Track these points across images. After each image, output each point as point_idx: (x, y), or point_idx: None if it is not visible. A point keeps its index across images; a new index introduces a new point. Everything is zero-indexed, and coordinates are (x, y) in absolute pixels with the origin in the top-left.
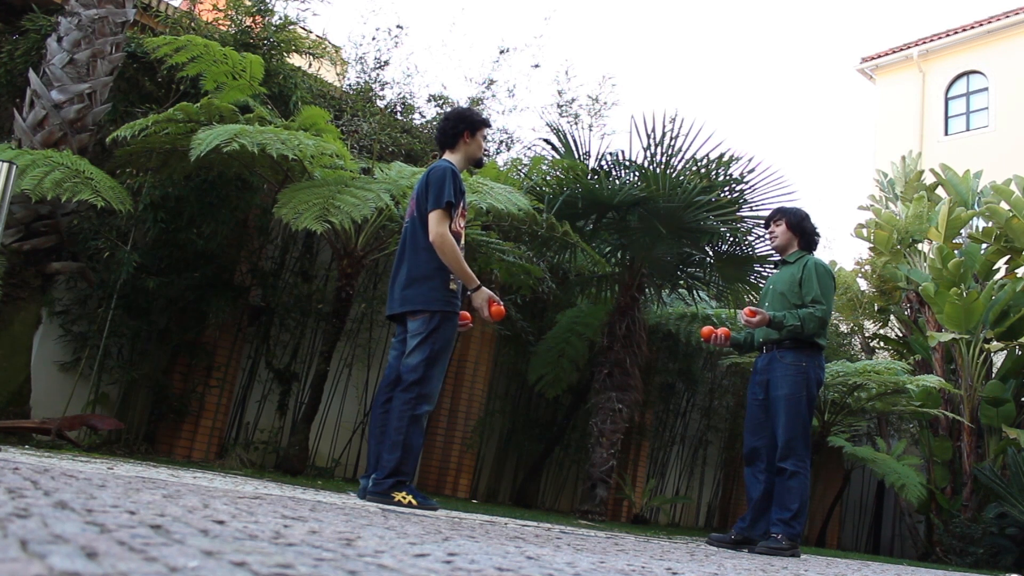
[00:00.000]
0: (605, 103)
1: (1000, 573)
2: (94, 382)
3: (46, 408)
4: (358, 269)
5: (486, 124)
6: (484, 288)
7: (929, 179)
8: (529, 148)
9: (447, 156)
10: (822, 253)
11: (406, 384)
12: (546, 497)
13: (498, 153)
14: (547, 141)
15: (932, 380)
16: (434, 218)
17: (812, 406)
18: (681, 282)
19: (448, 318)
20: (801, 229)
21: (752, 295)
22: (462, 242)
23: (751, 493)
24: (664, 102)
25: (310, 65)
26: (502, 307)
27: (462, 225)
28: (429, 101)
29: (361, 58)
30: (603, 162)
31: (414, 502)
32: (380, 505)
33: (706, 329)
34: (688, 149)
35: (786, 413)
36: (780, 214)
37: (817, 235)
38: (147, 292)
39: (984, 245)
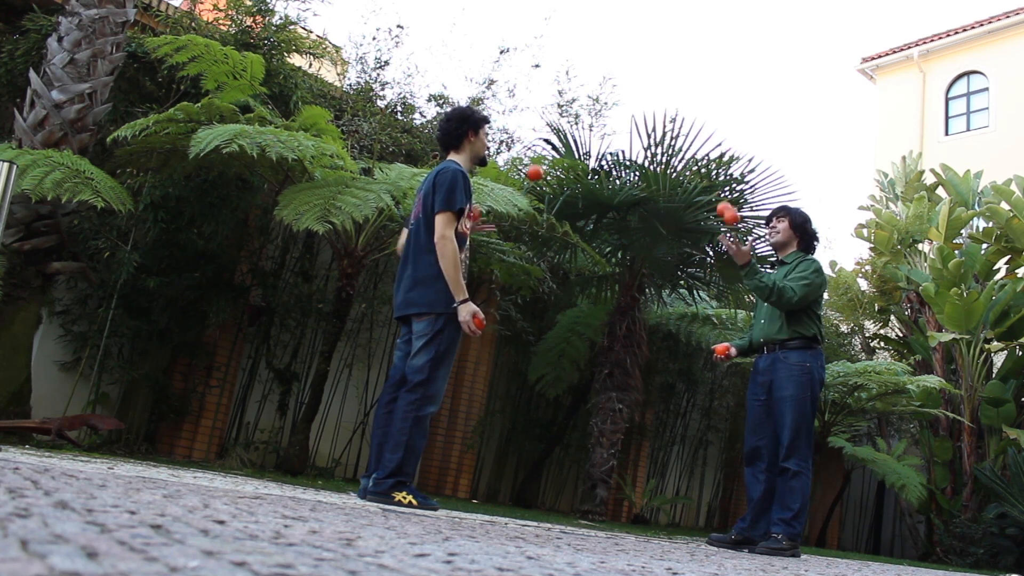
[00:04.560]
0: (605, 103)
1: (1000, 573)
2: (94, 382)
3: (46, 408)
4: (358, 269)
5: (487, 121)
6: (471, 303)
7: (929, 179)
8: (529, 148)
9: (452, 157)
10: (823, 253)
11: (411, 385)
12: (546, 497)
13: (498, 153)
14: (547, 141)
15: (932, 380)
16: (441, 220)
17: (815, 406)
18: (681, 282)
19: (452, 319)
20: (803, 230)
21: (752, 296)
22: (467, 243)
23: (751, 493)
24: (664, 102)
25: (310, 65)
26: (483, 321)
27: (468, 227)
28: (429, 101)
29: (361, 58)
30: (603, 162)
31: (414, 502)
32: (380, 505)
33: (721, 347)
34: (688, 149)
35: (791, 413)
36: (784, 212)
37: (817, 239)
38: (147, 292)
39: (984, 245)
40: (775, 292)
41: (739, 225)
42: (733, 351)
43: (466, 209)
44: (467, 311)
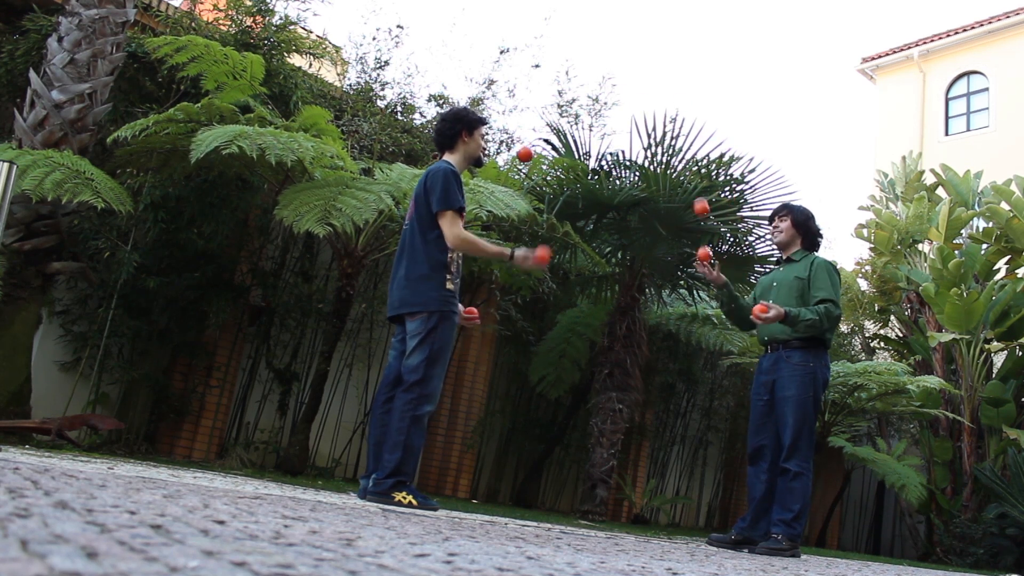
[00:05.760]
0: (605, 103)
1: (1000, 573)
2: (94, 382)
3: (46, 408)
4: (358, 269)
5: (483, 122)
6: (518, 250)
7: (929, 179)
8: (529, 148)
9: (447, 157)
10: (823, 253)
11: (407, 385)
12: (546, 497)
13: (498, 153)
14: (547, 141)
15: (932, 380)
16: (447, 222)
17: (818, 407)
18: (681, 282)
19: (446, 318)
20: (806, 228)
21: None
22: None
23: (753, 492)
24: (664, 102)
25: (310, 65)
26: (546, 252)
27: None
28: (429, 101)
29: (361, 58)
30: (603, 162)
31: (414, 502)
32: (380, 505)
33: (703, 252)
34: (688, 149)
35: (793, 414)
36: (786, 210)
37: (820, 236)
38: (147, 292)
39: (984, 245)
40: (824, 319)
41: (739, 225)
42: (717, 272)
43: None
44: (522, 257)
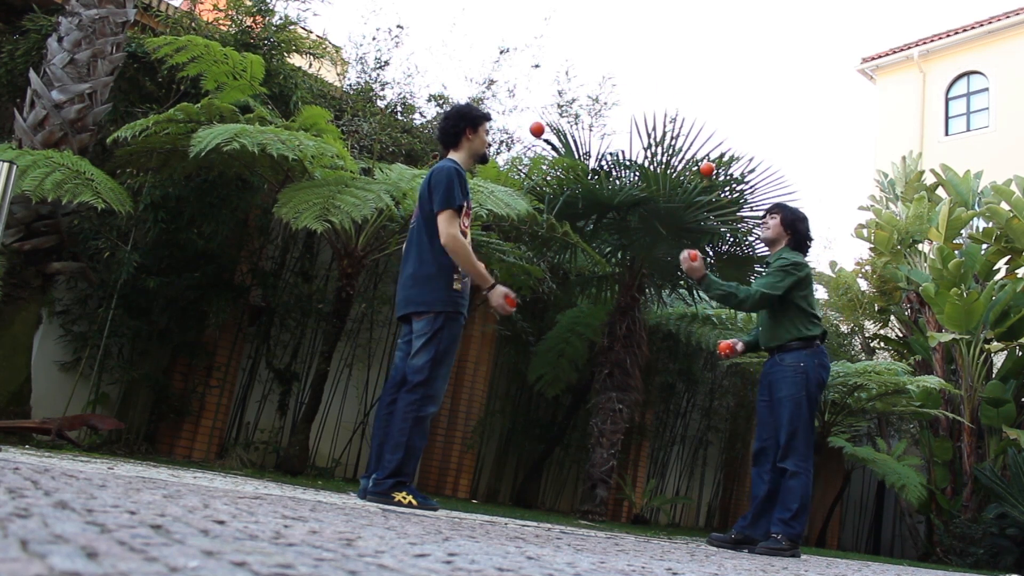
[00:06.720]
0: (605, 103)
1: (1000, 573)
2: (94, 382)
3: (46, 408)
4: (358, 269)
5: (487, 118)
6: (499, 286)
7: (929, 179)
8: (529, 148)
9: (451, 155)
10: (823, 254)
11: (411, 385)
12: (546, 497)
13: (498, 153)
14: (547, 141)
15: (932, 380)
16: (444, 220)
17: (813, 406)
18: (681, 282)
19: (452, 318)
20: (794, 228)
21: None
22: (467, 240)
23: (756, 492)
24: (664, 102)
25: (310, 65)
26: (515, 299)
27: (466, 224)
28: (429, 101)
29: (361, 58)
30: (603, 162)
31: (414, 502)
32: (380, 505)
33: (724, 344)
34: (688, 149)
35: (786, 414)
36: (778, 208)
37: (810, 240)
38: (147, 292)
39: (984, 245)
40: (736, 293)
41: (739, 225)
42: (740, 346)
43: (465, 205)
44: (498, 295)
